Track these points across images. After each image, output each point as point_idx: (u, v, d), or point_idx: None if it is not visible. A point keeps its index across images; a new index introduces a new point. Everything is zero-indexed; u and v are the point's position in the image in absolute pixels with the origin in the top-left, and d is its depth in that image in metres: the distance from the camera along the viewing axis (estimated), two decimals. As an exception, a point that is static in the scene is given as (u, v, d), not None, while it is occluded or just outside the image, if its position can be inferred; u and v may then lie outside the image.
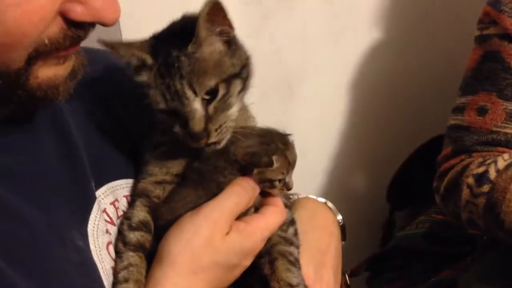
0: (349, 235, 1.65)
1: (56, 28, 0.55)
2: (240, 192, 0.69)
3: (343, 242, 0.90)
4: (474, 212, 1.01)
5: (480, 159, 1.03)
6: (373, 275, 1.45)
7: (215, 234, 0.66)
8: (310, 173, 1.59)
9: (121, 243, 0.67)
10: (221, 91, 0.67)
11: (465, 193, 1.03)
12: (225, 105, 0.68)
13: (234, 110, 0.69)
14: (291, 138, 0.76)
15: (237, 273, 0.69)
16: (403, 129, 1.59)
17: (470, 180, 1.02)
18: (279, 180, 0.72)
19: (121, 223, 0.69)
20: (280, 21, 1.43)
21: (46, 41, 0.54)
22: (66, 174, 0.66)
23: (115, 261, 0.66)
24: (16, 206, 0.58)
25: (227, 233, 0.67)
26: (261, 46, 1.43)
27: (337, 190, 1.63)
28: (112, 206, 0.71)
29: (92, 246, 0.64)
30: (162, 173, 0.72)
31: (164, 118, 0.68)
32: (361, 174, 1.64)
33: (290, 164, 0.73)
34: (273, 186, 0.72)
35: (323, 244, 0.82)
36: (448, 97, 1.18)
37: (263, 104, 1.48)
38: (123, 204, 0.72)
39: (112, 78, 0.81)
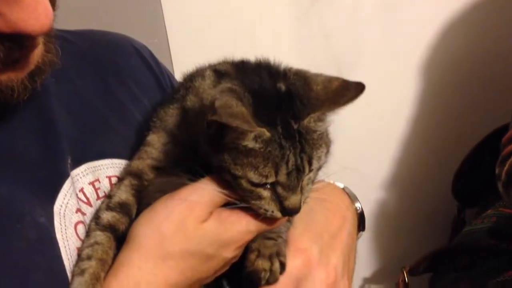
0: (414, 233, 1.54)
1: None
2: (226, 176, 0.62)
3: (361, 232, 0.82)
4: None
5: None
6: (436, 274, 1.33)
7: (189, 220, 0.61)
8: (369, 167, 1.50)
9: (93, 222, 0.65)
10: (323, 161, 0.64)
11: (528, 179, 0.91)
12: (315, 177, 0.64)
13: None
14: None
15: (215, 265, 0.64)
16: (473, 118, 1.45)
17: (534, 164, 0.90)
18: None
19: (102, 202, 0.67)
20: (329, 3, 1.37)
21: None
22: (37, 152, 0.65)
23: (83, 241, 0.64)
24: None
25: (204, 220, 0.62)
26: (309, 30, 1.39)
27: (401, 182, 1.52)
28: (91, 186, 0.69)
29: (56, 224, 0.62)
30: (167, 161, 0.69)
31: (246, 192, 0.61)
32: (424, 167, 1.51)
33: None
34: None
35: (333, 227, 0.75)
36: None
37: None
38: (104, 185, 0.70)
39: (112, 59, 0.81)
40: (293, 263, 0.68)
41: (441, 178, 1.43)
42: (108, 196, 0.68)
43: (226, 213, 0.63)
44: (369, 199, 1.51)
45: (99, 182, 0.70)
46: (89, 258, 0.60)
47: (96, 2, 1.25)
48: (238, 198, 0.62)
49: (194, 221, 0.61)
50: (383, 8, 1.39)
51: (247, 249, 0.67)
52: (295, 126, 0.60)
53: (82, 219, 0.65)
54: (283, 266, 0.66)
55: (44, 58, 0.59)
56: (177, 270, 0.61)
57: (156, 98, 0.81)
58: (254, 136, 0.58)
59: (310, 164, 0.61)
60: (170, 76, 0.90)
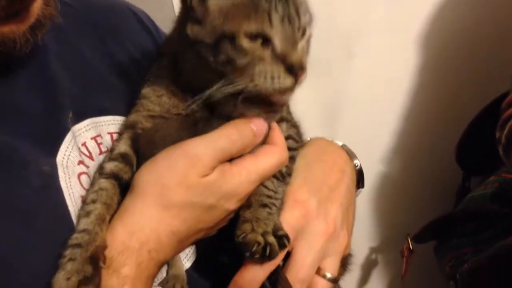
0: (419, 203, 1.56)
1: None
2: (233, 135, 0.64)
3: (360, 190, 0.84)
4: None
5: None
6: (441, 241, 1.35)
7: (191, 173, 0.62)
8: (375, 135, 1.51)
9: (97, 173, 0.67)
10: (309, 31, 0.65)
11: (528, 142, 0.92)
12: (308, 50, 0.65)
13: None
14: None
15: (217, 215, 0.66)
16: (473, 87, 1.44)
17: (533, 127, 0.91)
18: None
19: (105, 156, 0.70)
20: None
21: None
22: (38, 106, 0.67)
23: (88, 190, 0.66)
24: None
25: (206, 175, 0.63)
26: (315, 3, 1.39)
27: (404, 152, 1.53)
28: (93, 141, 0.71)
29: (60, 173, 0.64)
30: (162, 111, 0.70)
31: (247, 54, 0.61)
32: (431, 136, 1.52)
33: None
34: None
35: (331, 180, 0.76)
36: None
37: (318, 65, 1.44)
38: (106, 140, 0.72)
39: (110, 21, 0.84)
40: (292, 214, 0.70)
41: (444, 148, 1.43)
42: (110, 150, 0.70)
43: (228, 166, 0.65)
44: (374, 169, 1.52)
45: (101, 137, 0.72)
46: (94, 201, 0.63)
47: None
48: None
49: (196, 175, 0.63)
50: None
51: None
52: None
53: (86, 171, 0.68)
54: (287, 239, 0.66)
55: (43, 11, 0.62)
56: (179, 218, 0.63)
57: None
58: None
59: (298, 14, 0.62)
60: None
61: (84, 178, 0.67)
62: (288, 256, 0.71)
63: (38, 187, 0.61)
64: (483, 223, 1.23)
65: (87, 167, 0.69)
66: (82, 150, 0.69)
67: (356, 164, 0.83)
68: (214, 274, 0.77)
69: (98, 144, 0.71)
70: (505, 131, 0.99)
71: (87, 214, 0.62)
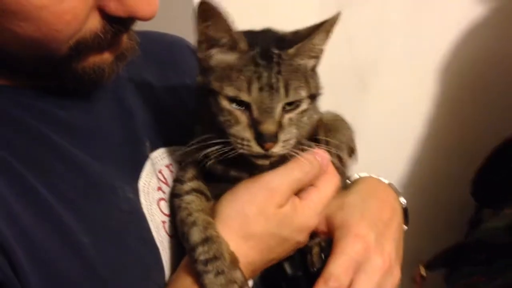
0: (430, 231, 1.59)
1: (95, 22, 0.59)
2: (306, 167, 0.68)
3: (406, 227, 0.87)
4: None
5: None
6: (452, 269, 1.39)
7: (269, 204, 0.66)
8: (391, 164, 1.55)
9: (175, 197, 0.70)
10: (304, 105, 0.67)
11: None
12: (298, 122, 0.67)
13: (298, 132, 0.67)
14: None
15: (288, 246, 0.69)
16: (489, 121, 1.49)
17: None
18: None
19: (173, 187, 0.72)
20: (355, 10, 1.41)
21: (88, 34, 0.59)
22: (120, 135, 0.71)
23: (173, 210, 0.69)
24: (73, 154, 0.64)
25: (282, 206, 0.67)
26: (333, 34, 1.42)
27: (419, 181, 1.58)
28: (167, 169, 0.75)
29: (142, 200, 0.68)
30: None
31: (225, 114, 0.64)
32: (445, 166, 1.56)
33: None
34: None
35: (385, 217, 0.79)
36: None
37: (332, 98, 1.47)
38: (176, 169, 0.76)
39: (171, 56, 0.88)
40: (354, 247, 0.72)
41: (457, 178, 1.47)
42: (176, 180, 0.72)
43: (297, 200, 0.69)
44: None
45: (173, 165, 0.76)
46: (189, 214, 0.66)
47: None
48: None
49: (274, 206, 0.66)
50: (406, 14, 1.44)
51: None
52: (276, 51, 0.65)
53: (164, 196, 0.71)
54: None
55: (127, 44, 0.66)
56: (256, 249, 0.66)
57: None
58: (231, 43, 0.64)
59: (286, 89, 0.64)
60: None
61: (163, 203, 0.71)
62: None
63: (126, 212, 0.65)
64: (496, 253, 1.27)
65: (164, 193, 0.72)
66: (159, 177, 0.73)
67: (403, 203, 0.86)
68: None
69: (171, 172, 0.75)
70: None
71: (193, 224, 0.64)
